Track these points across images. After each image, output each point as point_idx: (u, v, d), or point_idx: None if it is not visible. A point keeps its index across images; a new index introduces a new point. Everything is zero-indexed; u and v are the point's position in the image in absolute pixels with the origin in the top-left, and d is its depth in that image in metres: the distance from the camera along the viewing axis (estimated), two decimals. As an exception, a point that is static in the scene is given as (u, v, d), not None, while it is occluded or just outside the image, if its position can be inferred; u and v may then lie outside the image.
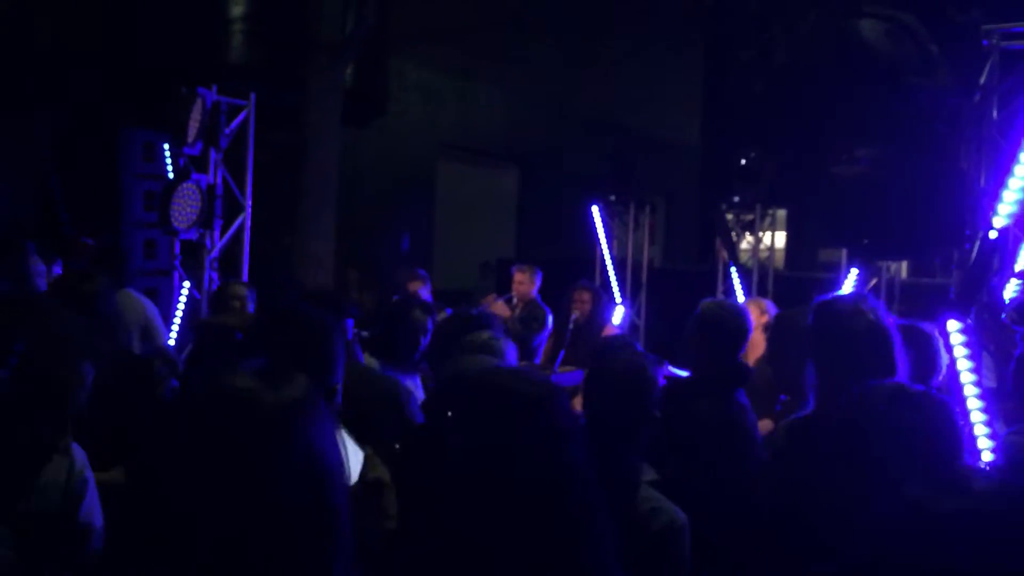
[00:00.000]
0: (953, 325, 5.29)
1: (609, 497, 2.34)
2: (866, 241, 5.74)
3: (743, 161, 10.76)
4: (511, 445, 1.79)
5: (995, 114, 5.96)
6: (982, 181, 5.73)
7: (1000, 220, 5.21)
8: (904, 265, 10.82)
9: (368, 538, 2.10)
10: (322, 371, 2.10)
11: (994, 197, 5.19)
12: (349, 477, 2.13)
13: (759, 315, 6.72)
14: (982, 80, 5.95)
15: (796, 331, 3.22)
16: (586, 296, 7.44)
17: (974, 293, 5.15)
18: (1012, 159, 5.21)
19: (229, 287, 5.62)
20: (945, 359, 4.19)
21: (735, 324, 3.90)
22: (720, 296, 10.79)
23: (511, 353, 3.35)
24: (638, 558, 2.42)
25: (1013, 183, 5.20)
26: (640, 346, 7.10)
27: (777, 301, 7.84)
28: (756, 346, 6.65)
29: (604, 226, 11.58)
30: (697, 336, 3.90)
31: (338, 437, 1.42)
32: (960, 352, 5.37)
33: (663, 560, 2.53)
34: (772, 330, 3.40)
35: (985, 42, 6.02)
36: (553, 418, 1.86)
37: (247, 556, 1.27)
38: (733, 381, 3.72)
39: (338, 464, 1.39)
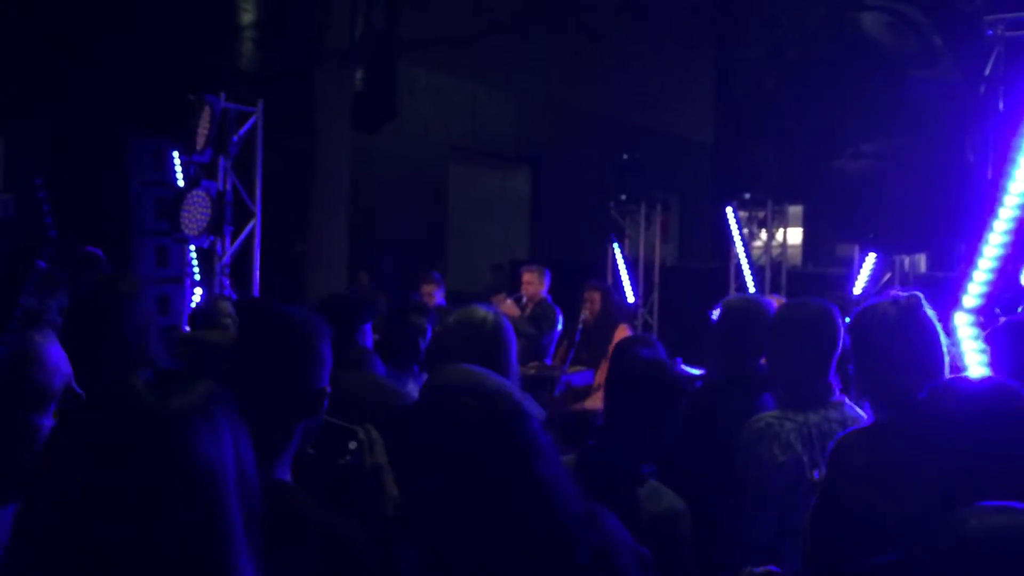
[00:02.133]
0: (962, 318, 5.24)
1: (611, 494, 2.36)
2: (872, 235, 5.71)
3: (754, 158, 10.73)
4: (470, 464, 1.80)
5: (1001, 105, 5.91)
6: (989, 173, 5.69)
7: (1007, 211, 5.16)
8: (922, 258, 10.75)
9: (371, 521, 2.12)
10: (307, 374, 2.09)
11: (1000, 188, 5.13)
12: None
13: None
14: (987, 71, 5.89)
15: (786, 324, 3.17)
16: (595, 296, 7.44)
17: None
18: (1018, 149, 5.15)
19: (218, 304, 5.26)
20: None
21: (761, 322, 3.56)
22: (733, 293, 10.75)
23: (509, 334, 3.33)
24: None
25: (1020, 174, 5.14)
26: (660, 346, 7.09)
27: (791, 297, 7.80)
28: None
29: (616, 225, 11.57)
30: (720, 335, 3.64)
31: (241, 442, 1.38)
32: (970, 345, 5.33)
33: (663, 545, 2.53)
34: (772, 323, 3.30)
35: (990, 32, 5.95)
36: (513, 436, 1.85)
37: (128, 562, 1.24)
38: (760, 385, 3.51)
39: (237, 473, 1.33)
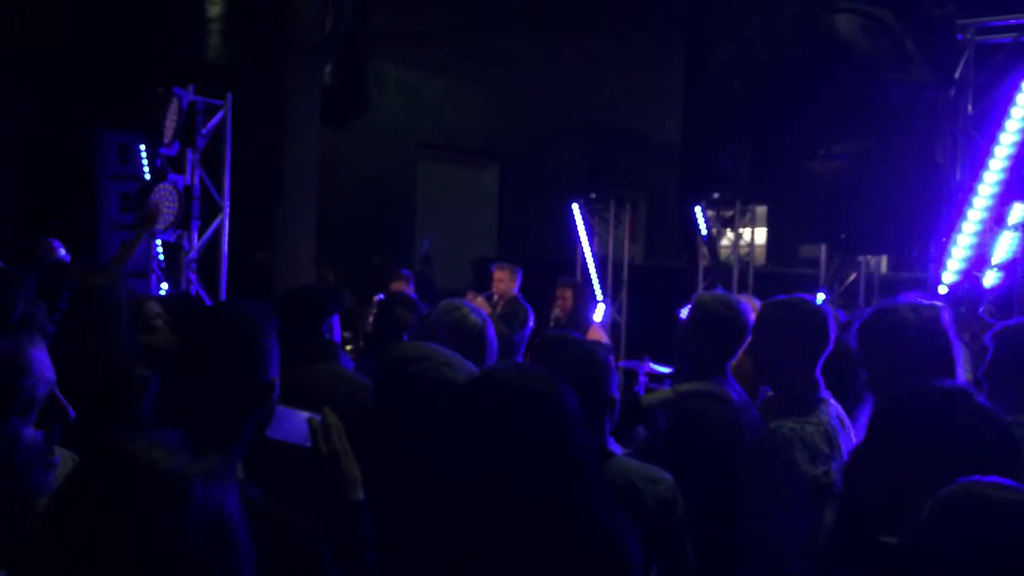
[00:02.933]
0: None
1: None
2: (843, 236, 5.76)
3: (722, 158, 10.80)
4: (518, 443, 1.84)
5: (970, 108, 5.99)
6: (958, 175, 5.77)
7: (975, 213, 5.24)
8: (884, 259, 10.85)
9: (329, 508, 2.11)
10: (254, 369, 2.07)
11: (969, 191, 5.21)
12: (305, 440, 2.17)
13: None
14: (957, 74, 5.97)
15: (780, 323, 3.17)
16: (567, 293, 7.43)
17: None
18: (986, 153, 5.23)
19: (146, 305, 5.04)
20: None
21: (735, 320, 3.50)
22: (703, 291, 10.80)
23: (491, 331, 3.32)
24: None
25: (988, 176, 5.23)
26: (607, 340, 7.10)
27: (757, 297, 7.85)
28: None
29: (585, 224, 11.60)
30: (690, 332, 3.56)
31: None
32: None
33: (666, 528, 2.55)
34: (757, 321, 3.30)
35: (960, 36, 6.04)
36: (562, 413, 1.90)
37: None
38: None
39: (243, 537, 1.35)
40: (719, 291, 3.90)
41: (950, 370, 2.71)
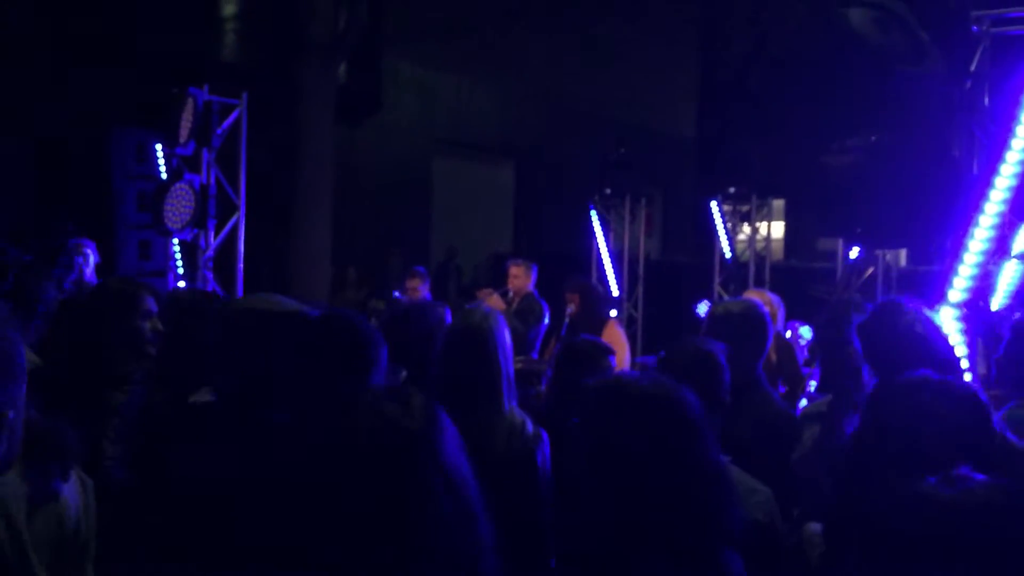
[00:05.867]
0: (947, 313, 5.28)
1: None
2: (859, 230, 5.74)
3: (738, 152, 10.75)
4: (641, 445, 1.89)
5: (986, 101, 5.94)
6: (975, 168, 5.73)
7: (992, 207, 5.18)
8: (902, 253, 10.79)
9: None
10: (364, 377, 2.19)
11: (986, 183, 5.15)
12: None
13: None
14: (973, 67, 5.92)
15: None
16: (575, 297, 7.33)
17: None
18: (1004, 145, 5.17)
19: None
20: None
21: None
22: (718, 288, 10.78)
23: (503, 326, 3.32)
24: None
25: (1005, 169, 5.17)
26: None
27: (774, 291, 7.84)
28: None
29: (600, 219, 11.58)
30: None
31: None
32: (954, 340, 5.36)
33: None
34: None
35: (975, 28, 5.98)
36: (680, 415, 1.94)
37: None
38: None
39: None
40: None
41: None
